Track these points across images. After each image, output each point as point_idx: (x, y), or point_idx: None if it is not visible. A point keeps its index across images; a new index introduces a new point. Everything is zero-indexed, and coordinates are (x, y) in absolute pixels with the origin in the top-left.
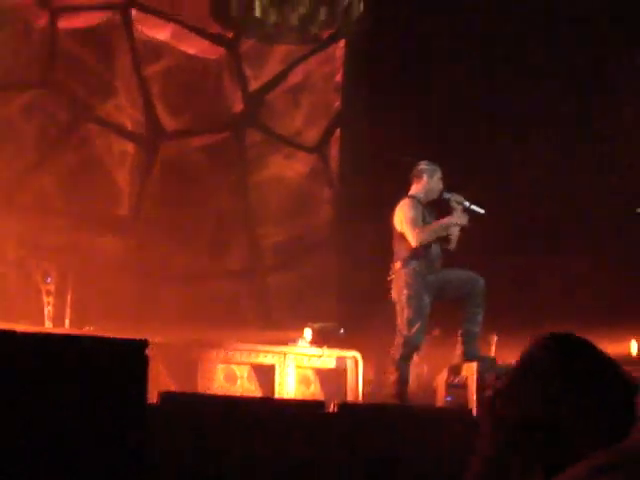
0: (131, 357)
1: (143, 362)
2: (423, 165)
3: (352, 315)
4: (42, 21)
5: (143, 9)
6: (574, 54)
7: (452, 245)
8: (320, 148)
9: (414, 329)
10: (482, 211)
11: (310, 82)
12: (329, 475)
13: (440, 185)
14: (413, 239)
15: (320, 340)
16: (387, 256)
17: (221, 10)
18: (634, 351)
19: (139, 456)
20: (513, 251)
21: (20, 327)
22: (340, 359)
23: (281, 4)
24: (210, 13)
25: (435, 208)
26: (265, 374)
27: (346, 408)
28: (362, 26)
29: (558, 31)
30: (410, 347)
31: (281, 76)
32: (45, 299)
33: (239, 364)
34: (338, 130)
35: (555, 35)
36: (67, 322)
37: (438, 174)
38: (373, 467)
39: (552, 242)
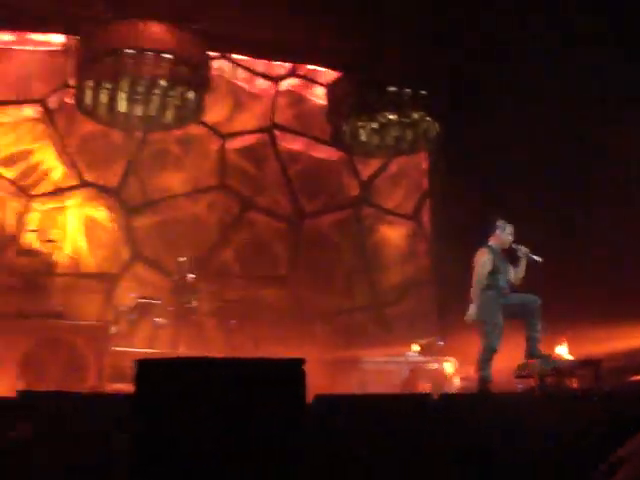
0: (292, 371)
1: (301, 375)
2: (499, 222)
3: (450, 332)
4: (215, 144)
5: (283, 129)
6: None
7: (517, 280)
8: (416, 216)
9: (489, 338)
10: (540, 259)
11: (404, 170)
12: (439, 450)
13: (510, 238)
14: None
15: (426, 351)
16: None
17: (338, 138)
18: None
19: (300, 453)
20: None
21: (215, 355)
22: (440, 363)
23: (379, 130)
24: (330, 138)
25: (507, 255)
26: (388, 377)
27: (444, 397)
28: (438, 141)
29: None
30: (489, 352)
31: (383, 168)
32: (232, 336)
33: (370, 372)
34: (428, 201)
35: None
36: (248, 351)
37: (509, 229)
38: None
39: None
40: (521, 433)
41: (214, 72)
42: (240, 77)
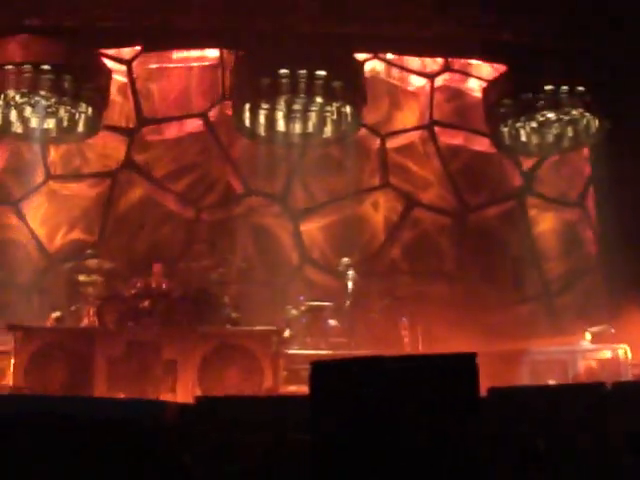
0: (465, 366)
1: (474, 369)
2: None
3: (620, 319)
4: (376, 144)
5: (442, 125)
6: None
7: None
8: (580, 202)
9: None
10: None
11: (565, 158)
12: (614, 439)
13: None
14: None
15: (598, 339)
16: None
17: (497, 139)
18: None
19: (477, 446)
20: None
21: (387, 353)
22: (614, 351)
23: (539, 129)
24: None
25: None
26: (560, 367)
27: (619, 386)
28: (598, 136)
29: None
30: None
31: (544, 158)
32: (403, 332)
33: (541, 362)
34: (591, 188)
35: None
36: (420, 347)
37: None
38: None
39: None
40: None
41: (368, 74)
42: (395, 76)
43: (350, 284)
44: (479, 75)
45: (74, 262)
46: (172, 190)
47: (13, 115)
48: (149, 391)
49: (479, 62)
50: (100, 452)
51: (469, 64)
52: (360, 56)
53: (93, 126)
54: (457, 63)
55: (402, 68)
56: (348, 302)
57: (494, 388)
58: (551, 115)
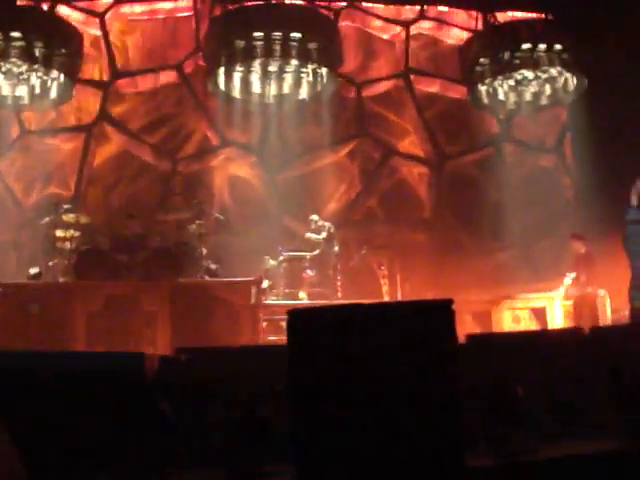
0: (441, 312)
1: (451, 315)
2: None
3: (602, 264)
4: (352, 93)
5: (417, 73)
6: None
7: None
8: (557, 149)
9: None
10: None
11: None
12: (589, 378)
13: None
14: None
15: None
16: (617, 221)
17: (475, 98)
18: None
19: (455, 384)
20: None
21: (366, 301)
22: (592, 295)
23: (516, 88)
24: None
25: None
26: (540, 314)
27: (597, 331)
28: (576, 94)
29: None
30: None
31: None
32: (382, 281)
33: (521, 309)
34: (568, 135)
35: None
36: (399, 295)
37: None
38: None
39: None
40: None
41: (343, 23)
42: (370, 25)
43: (324, 234)
44: (454, 23)
45: (50, 217)
46: (148, 142)
47: None
48: (129, 344)
49: (454, 10)
50: (79, 405)
51: (444, 12)
52: (334, 5)
53: (65, 93)
54: (432, 11)
55: (377, 16)
56: (326, 252)
57: (472, 335)
58: (529, 74)
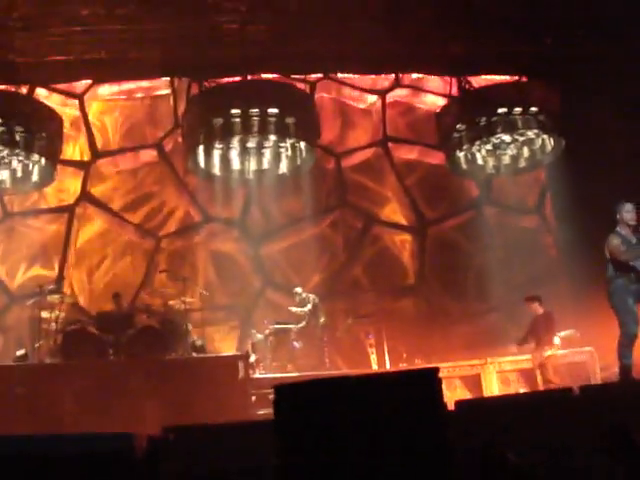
0: (428, 380)
1: (438, 382)
2: (618, 204)
3: (586, 322)
4: (331, 164)
5: (396, 141)
6: None
7: None
8: (538, 209)
9: (626, 325)
10: None
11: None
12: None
13: (629, 215)
14: (621, 257)
15: (565, 344)
16: (599, 277)
17: (454, 165)
18: None
19: (443, 451)
20: None
21: (353, 372)
22: (580, 354)
23: (494, 152)
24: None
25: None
26: (528, 375)
27: (587, 389)
28: (554, 155)
29: None
30: (628, 339)
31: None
32: (369, 350)
33: (509, 371)
34: (548, 194)
35: None
36: (387, 363)
37: (627, 207)
38: (614, 434)
39: None
40: None
41: (319, 94)
42: (346, 95)
43: (309, 306)
44: (429, 89)
45: (35, 298)
46: (130, 221)
47: None
48: (117, 424)
49: (429, 76)
50: None
51: (419, 78)
52: (311, 77)
53: (47, 175)
54: (407, 78)
55: (352, 86)
56: (312, 324)
57: (461, 401)
58: (506, 137)
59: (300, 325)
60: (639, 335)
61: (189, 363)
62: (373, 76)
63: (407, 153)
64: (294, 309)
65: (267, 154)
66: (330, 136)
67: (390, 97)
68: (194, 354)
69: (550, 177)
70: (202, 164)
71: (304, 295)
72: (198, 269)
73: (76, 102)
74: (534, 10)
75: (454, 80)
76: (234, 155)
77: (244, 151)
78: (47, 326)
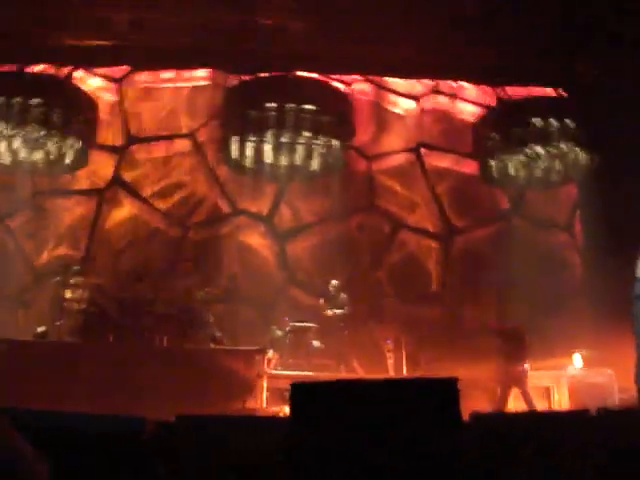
0: (446, 390)
1: (455, 393)
2: None
3: (606, 343)
4: (362, 166)
5: (429, 148)
6: None
7: None
8: (568, 226)
9: None
10: None
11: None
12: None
13: None
14: None
15: (584, 363)
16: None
17: (486, 174)
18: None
19: (453, 465)
20: None
21: (370, 376)
22: (600, 375)
23: (528, 163)
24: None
25: None
26: (544, 391)
27: (605, 412)
28: (587, 170)
29: None
30: None
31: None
32: (387, 355)
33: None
34: (578, 212)
35: None
36: (404, 369)
37: None
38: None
39: None
40: None
41: (357, 95)
42: (384, 98)
43: (339, 306)
44: (467, 98)
45: (60, 277)
46: (158, 209)
47: (2, 146)
48: (131, 408)
49: (467, 85)
50: (78, 467)
51: (457, 87)
52: (348, 78)
53: (81, 158)
54: (445, 85)
55: (390, 90)
56: (338, 324)
57: (476, 413)
58: (539, 149)
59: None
60: None
61: (206, 354)
62: (412, 81)
63: (440, 161)
64: (336, 311)
65: (300, 150)
66: (364, 138)
67: (427, 103)
68: (212, 345)
69: (581, 194)
70: (235, 155)
71: (339, 293)
72: (223, 261)
73: (114, 87)
74: (573, 24)
75: (492, 90)
76: (267, 149)
77: (277, 146)
78: (69, 305)
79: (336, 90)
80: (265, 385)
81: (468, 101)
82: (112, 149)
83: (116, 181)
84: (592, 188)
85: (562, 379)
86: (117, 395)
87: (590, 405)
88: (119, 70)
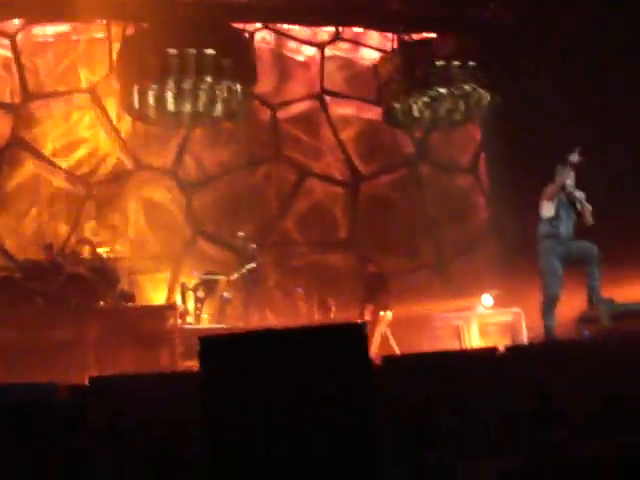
0: (354, 335)
1: (364, 338)
2: (558, 167)
3: (513, 283)
4: (267, 115)
5: (333, 94)
6: None
7: (588, 220)
8: (472, 169)
9: (549, 286)
10: (590, 207)
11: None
12: (505, 399)
13: (566, 181)
14: (544, 200)
15: (494, 303)
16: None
17: (391, 116)
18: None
19: (370, 406)
20: None
21: (281, 325)
22: (507, 314)
23: (432, 105)
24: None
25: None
26: (455, 331)
27: (511, 349)
28: (489, 110)
29: None
30: (551, 300)
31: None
32: (298, 303)
33: (440, 328)
34: (482, 154)
35: None
36: (316, 316)
37: (567, 173)
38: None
39: None
40: (587, 380)
41: (258, 44)
42: (285, 46)
43: (243, 256)
44: (369, 44)
45: None
46: (60, 167)
47: None
48: (42, 374)
49: (369, 31)
50: None
51: (359, 33)
52: (250, 26)
53: None
54: (347, 32)
55: (292, 38)
56: (241, 273)
57: (387, 357)
58: (443, 90)
59: (233, 277)
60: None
61: (118, 312)
62: (313, 28)
63: (344, 107)
64: (247, 267)
65: (202, 96)
66: (267, 87)
67: (329, 50)
68: (123, 303)
69: (485, 137)
70: (136, 105)
71: (247, 243)
72: (129, 217)
73: (8, 42)
74: None
75: (395, 36)
76: (169, 97)
77: (180, 93)
78: None
79: (236, 33)
80: (178, 341)
81: (371, 47)
82: (9, 107)
83: (15, 140)
84: (496, 132)
85: (472, 319)
86: (29, 361)
87: (499, 343)
88: (12, 25)
